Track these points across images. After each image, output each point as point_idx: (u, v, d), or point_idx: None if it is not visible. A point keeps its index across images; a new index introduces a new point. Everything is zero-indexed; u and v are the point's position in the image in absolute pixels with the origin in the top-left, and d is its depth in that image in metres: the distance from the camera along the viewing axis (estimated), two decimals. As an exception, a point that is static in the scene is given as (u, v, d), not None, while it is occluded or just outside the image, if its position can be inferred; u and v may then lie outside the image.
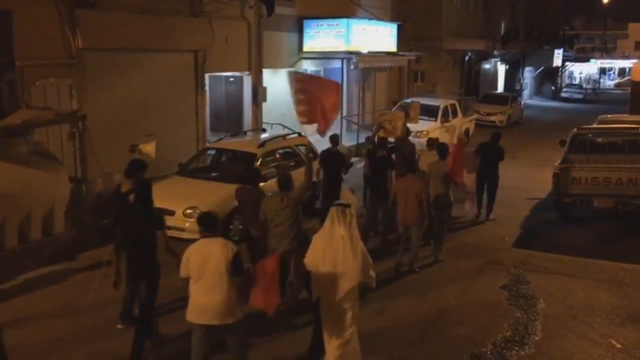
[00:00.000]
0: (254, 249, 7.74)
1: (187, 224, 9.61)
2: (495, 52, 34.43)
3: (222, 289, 5.32)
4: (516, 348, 6.76)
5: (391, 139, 11.78)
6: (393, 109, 20.10)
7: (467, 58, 31.48)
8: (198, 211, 9.48)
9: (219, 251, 5.36)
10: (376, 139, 10.74)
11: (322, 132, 12.73)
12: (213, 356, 5.69)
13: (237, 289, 5.40)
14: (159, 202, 9.82)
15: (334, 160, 10.30)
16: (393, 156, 10.71)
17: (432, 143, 10.76)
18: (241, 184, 8.29)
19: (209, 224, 5.56)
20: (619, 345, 6.90)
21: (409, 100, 20.38)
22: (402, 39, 23.01)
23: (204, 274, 5.33)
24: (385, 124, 12.50)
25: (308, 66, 19.19)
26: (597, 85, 61.80)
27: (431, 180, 9.44)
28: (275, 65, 17.42)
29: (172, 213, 9.71)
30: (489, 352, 6.65)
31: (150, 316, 6.35)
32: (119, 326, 6.87)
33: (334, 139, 11.06)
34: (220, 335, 5.50)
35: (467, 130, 13.14)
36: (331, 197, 7.86)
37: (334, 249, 5.55)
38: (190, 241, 8.63)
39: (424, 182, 9.01)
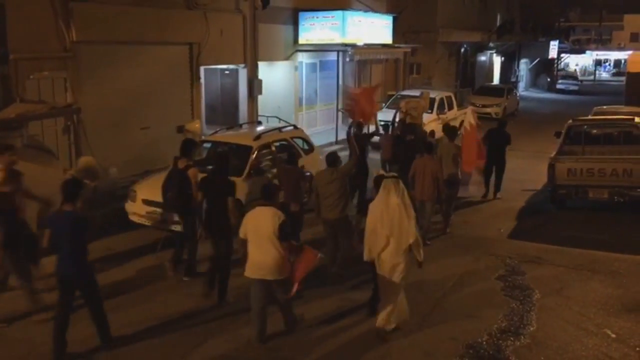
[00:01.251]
0: (295, 223, 8.26)
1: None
2: (491, 44, 34.42)
3: (273, 250, 6.25)
4: (511, 338, 6.80)
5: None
6: (387, 103, 20.13)
7: (462, 50, 31.48)
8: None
9: (270, 218, 6.27)
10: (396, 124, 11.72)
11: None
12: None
13: (286, 250, 6.34)
14: (154, 195, 9.88)
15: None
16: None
17: (445, 129, 11.55)
18: (283, 165, 9.40)
19: (268, 193, 6.63)
20: (613, 335, 6.93)
21: (404, 93, 20.41)
22: (398, 31, 22.98)
23: (258, 237, 6.29)
24: (411, 111, 13.49)
25: (304, 58, 19.16)
26: (594, 76, 61.91)
27: (442, 160, 10.23)
28: (270, 57, 17.40)
29: (167, 206, 9.70)
30: (484, 343, 6.68)
31: (229, 265, 7.57)
32: (185, 279, 8.17)
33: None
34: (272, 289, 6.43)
35: (462, 123, 13.39)
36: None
37: (391, 215, 6.45)
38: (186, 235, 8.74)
39: (439, 162, 9.86)
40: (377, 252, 6.60)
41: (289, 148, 11.75)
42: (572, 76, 51.20)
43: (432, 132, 13.58)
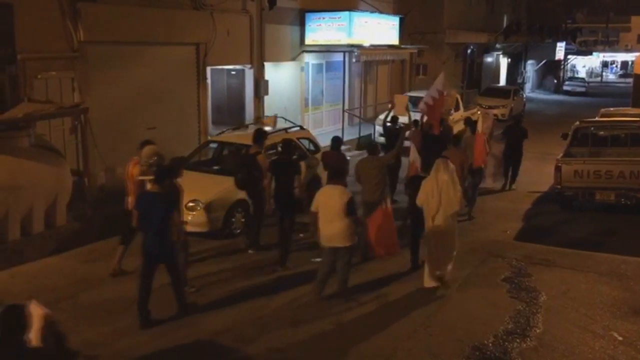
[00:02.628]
0: None
1: (189, 217, 9.61)
2: (498, 45, 34.32)
3: (340, 222, 7.29)
4: (518, 340, 6.77)
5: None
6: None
7: (469, 51, 31.40)
8: (200, 204, 9.53)
9: (338, 195, 7.31)
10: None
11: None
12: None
13: (351, 223, 7.36)
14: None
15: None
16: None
17: (467, 122, 13.19)
18: (327, 150, 10.69)
19: (337, 174, 7.62)
20: (620, 338, 6.90)
21: (411, 94, 20.37)
22: (404, 32, 22.96)
23: (327, 211, 7.31)
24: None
25: (310, 59, 19.17)
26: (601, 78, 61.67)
27: (466, 151, 11.13)
28: (277, 58, 17.41)
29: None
30: (490, 344, 6.67)
31: (290, 238, 8.87)
32: (250, 251, 9.21)
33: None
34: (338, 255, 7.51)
35: (461, 132, 13.77)
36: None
37: (439, 188, 7.81)
38: (192, 234, 8.87)
39: (465, 153, 10.72)
40: (429, 218, 7.90)
41: (295, 148, 11.76)
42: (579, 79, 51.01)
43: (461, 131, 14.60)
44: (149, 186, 7.30)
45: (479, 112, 13.56)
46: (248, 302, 7.62)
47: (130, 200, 7.97)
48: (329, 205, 7.32)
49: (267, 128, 11.58)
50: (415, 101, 19.13)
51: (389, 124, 12.96)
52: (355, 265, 8.33)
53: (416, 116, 12.44)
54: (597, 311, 7.59)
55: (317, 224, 7.43)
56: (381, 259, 8.74)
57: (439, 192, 7.81)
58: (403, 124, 12.66)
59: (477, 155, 11.63)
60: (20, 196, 8.48)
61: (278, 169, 8.86)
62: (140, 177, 7.80)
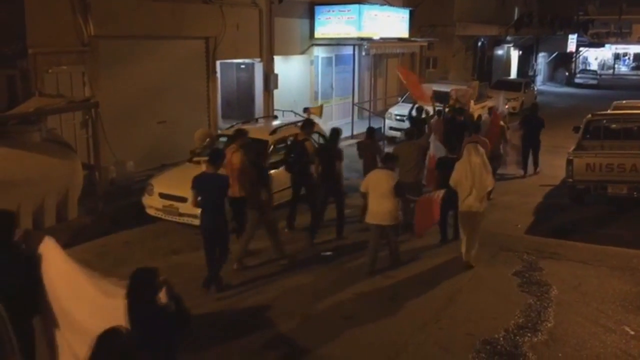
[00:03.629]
0: None
1: (199, 211, 9.63)
2: (509, 38, 34.08)
3: (388, 203, 8.07)
4: (529, 334, 6.75)
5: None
6: (403, 97, 20.05)
7: (479, 44, 31.21)
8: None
9: (386, 178, 8.16)
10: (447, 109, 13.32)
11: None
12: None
13: (397, 204, 8.21)
14: (171, 189, 9.94)
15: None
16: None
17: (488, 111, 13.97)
18: (362, 140, 11.49)
19: (388, 160, 8.56)
20: (632, 332, 6.86)
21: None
22: (414, 24, 22.83)
23: (377, 192, 8.09)
24: (460, 98, 15.45)
25: (319, 53, 19.13)
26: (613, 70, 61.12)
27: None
28: (286, 52, 17.39)
29: (184, 200, 9.75)
30: (501, 339, 6.65)
31: (343, 211, 9.87)
32: (286, 230, 9.78)
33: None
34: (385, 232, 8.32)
35: (479, 117, 13.91)
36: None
37: (472, 170, 8.42)
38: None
39: (485, 140, 10.95)
40: (462, 199, 8.54)
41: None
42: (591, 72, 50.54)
43: (480, 116, 14.62)
44: (203, 167, 7.88)
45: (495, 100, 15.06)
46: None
47: (235, 189, 8.45)
48: (378, 187, 8.11)
49: (313, 117, 12.46)
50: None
51: (414, 114, 13.71)
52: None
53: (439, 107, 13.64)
54: (608, 305, 7.54)
55: (366, 203, 8.32)
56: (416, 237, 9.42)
57: (472, 175, 8.42)
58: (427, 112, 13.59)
59: (491, 136, 12.05)
60: (31, 190, 8.52)
61: (324, 155, 9.67)
62: (195, 159, 8.63)
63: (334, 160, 9.59)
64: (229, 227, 7.85)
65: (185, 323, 4.39)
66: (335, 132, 10.11)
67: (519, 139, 14.27)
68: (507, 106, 24.76)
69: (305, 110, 13.68)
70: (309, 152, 9.79)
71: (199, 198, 7.50)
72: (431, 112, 13.50)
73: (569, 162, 11.68)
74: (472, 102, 18.73)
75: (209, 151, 7.94)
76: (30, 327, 4.65)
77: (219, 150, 8.07)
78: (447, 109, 13.80)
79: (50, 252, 4.58)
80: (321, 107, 14.37)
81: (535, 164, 14.59)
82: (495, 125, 12.75)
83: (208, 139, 8.63)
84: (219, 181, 7.45)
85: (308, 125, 10.37)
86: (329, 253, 9.15)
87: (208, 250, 7.65)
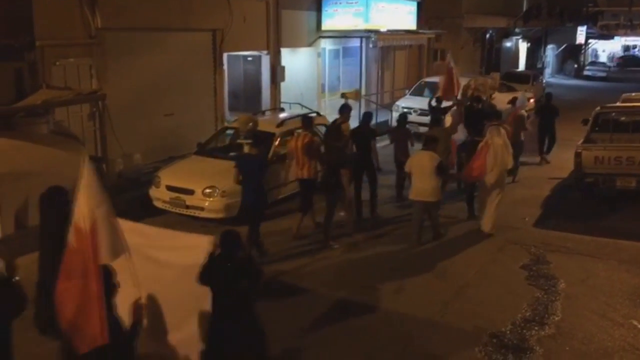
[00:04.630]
0: (400, 171, 11.05)
1: (206, 203, 9.66)
2: (517, 30, 33.82)
3: (431, 181, 8.87)
4: (536, 328, 6.73)
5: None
6: (410, 91, 19.99)
7: (487, 36, 30.99)
8: (217, 190, 9.56)
9: (428, 159, 8.91)
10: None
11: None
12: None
13: (439, 182, 9.05)
14: (178, 181, 9.97)
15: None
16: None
17: (511, 101, 14.28)
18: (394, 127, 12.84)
19: (429, 142, 9.22)
20: (640, 326, 6.84)
21: (428, 80, 20.22)
22: (422, 16, 22.70)
23: (420, 172, 8.94)
24: (479, 87, 16.69)
25: (327, 45, 19.07)
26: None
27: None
28: (293, 44, 17.34)
29: (191, 192, 9.78)
30: (508, 332, 6.63)
31: (376, 194, 10.55)
32: (341, 214, 9.74)
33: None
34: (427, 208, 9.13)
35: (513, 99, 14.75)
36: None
37: (494, 150, 9.31)
38: (209, 220, 9.02)
39: (507, 127, 11.17)
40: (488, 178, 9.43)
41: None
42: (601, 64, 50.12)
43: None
44: (246, 149, 8.83)
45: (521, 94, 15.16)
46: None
47: (305, 171, 9.38)
48: (421, 167, 8.95)
49: (350, 101, 13.61)
50: (432, 87, 19.08)
51: (434, 103, 14.17)
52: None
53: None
54: (616, 299, 7.51)
55: (410, 181, 9.23)
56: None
57: (494, 154, 9.29)
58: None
59: (511, 123, 12.44)
60: (39, 182, 8.54)
61: (358, 137, 10.32)
62: (239, 141, 9.52)
63: (369, 141, 10.31)
64: (267, 203, 8.75)
65: (258, 277, 5.12)
66: (367, 114, 11.10)
67: (535, 127, 14.84)
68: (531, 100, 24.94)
69: (343, 95, 15.37)
70: (345, 134, 10.31)
71: (240, 177, 8.40)
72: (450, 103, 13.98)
73: (578, 155, 11.61)
74: (496, 92, 19.60)
75: (251, 135, 9.03)
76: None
77: (261, 135, 9.16)
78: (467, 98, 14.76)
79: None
80: (356, 91, 16.27)
81: (549, 149, 15.10)
82: (515, 114, 13.23)
83: (251, 124, 9.60)
84: (259, 162, 8.39)
85: (345, 108, 11.02)
86: (336, 246, 9.13)
87: (252, 227, 8.41)
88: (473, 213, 10.51)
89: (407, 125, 11.95)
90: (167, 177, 10.24)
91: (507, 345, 6.37)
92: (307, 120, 10.05)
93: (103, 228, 3.93)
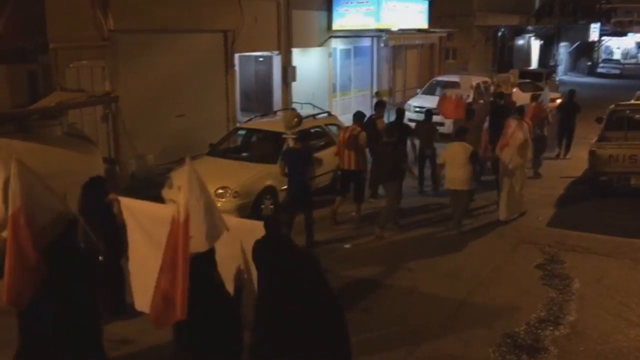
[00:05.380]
0: (431, 160, 12.04)
1: (218, 204, 9.66)
2: (529, 28, 33.63)
3: (463, 170, 9.50)
4: (550, 328, 6.68)
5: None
6: (421, 90, 19.95)
7: (499, 34, 30.84)
8: (229, 191, 9.59)
9: (461, 150, 9.56)
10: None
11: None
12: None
13: (471, 171, 9.68)
14: (191, 182, 9.96)
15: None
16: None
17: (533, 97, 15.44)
18: (421, 120, 13.05)
19: (460, 133, 9.99)
20: (656, 326, 6.76)
21: (440, 79, 20.18)
22: (433, 15, 22.63)
23: (453, 162, 9.59)
24: (502, 84, 17.97)
25: (338, 44, 19.06)
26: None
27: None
28: (304, 44, 17.35)
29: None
30: (522, 332, 6.59)
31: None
32: (371, 200, 11.09)
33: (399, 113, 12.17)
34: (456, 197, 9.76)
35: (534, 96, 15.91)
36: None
37: (515, 142, 10.00)
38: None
39: (528, 122, 11.73)
40: (505, 165, 10.10)
41: (323, 135, 11.74)
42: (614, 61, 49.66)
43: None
44: (291, 143, 9.56)
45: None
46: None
47: (351, 163, 9.98)
48: (454, 157, 9.58)
49: (384, 98, 14.76)
50: (444, 85, 19.03)
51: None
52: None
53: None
54: (632, 299, 7.43)
55: (446, 171, 9.89)
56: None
57: (514, 146, 9.99)
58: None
59: (533, 118, 12.65)
60: (53, 184, 8.59)
61: (393, 131, 10.68)
62: (284, 136, 10.19)
63: (405, 135, 11.34)
64: (310, 193, 9.32)
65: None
66: (401, 110, 12.13)
67: (556, 122, 15.23)
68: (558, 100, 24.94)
69: (377, 93, 17.08)
70: (380, 129, 10.97)
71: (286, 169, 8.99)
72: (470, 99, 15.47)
73: (592, 154, 11.53)
74: (516, 88, 20.63)
75: (298, 130, 9.77)
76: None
77: (306, 131, 9.85)
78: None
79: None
80: (389, 90, 18.27)
81: (567, 147, 15.39)
82: (538, 110, 13.40)
83: (296, 119, 10.32)
84: (303, 155, 8.99)
85: (380, 104, 11.99)
86: (347, 246, 9.14)
87: (292, 211, 9.01)
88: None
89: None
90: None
91: (521, 346, 6.33)
92: (359, 114, 10.56)
93: (200, 218, 4.42)
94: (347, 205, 10.22)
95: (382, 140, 10.23)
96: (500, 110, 13.30)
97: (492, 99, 14.86)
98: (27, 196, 4.48)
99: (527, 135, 10.29)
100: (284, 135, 10.29)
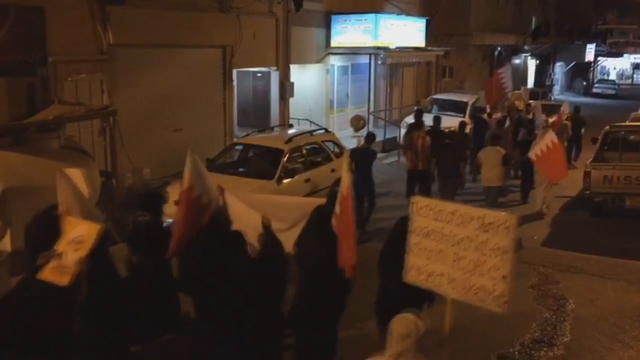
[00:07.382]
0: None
1: (214, 219, 9.65)
2: (526, 47, 33.92)
3: (496, 170, 11.28)
4: (544, 349, 6.67)
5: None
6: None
7: (496, 53, 31.09)
8: (226, 206, 9.57)
9: (496, 153, 11.35)
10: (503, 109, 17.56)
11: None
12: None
13: (504, 170, 11.56)
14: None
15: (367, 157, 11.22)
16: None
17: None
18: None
19: (495, 139, 11.83)
20: (650, 348, 6.76)
21: (437, 97, 20.32)
22: (431, 34, 22.83)
23: (488, 163, 11.32)
24: (516, 101, 20.10)
25: (336, 61, 19.17)
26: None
27: None
28: (302, 60, 17.45)
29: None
30: (516, 353, 6.58)
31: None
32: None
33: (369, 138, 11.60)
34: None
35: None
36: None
37: (541, 145, 10.97)
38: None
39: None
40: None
41: (320, 151, 11.78)
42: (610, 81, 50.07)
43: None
44: (356, 142, 11.26)
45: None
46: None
47: (419, 163, 11.39)
48: (489, 159, 11.32)
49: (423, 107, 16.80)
50: (441, 103, 19.16)
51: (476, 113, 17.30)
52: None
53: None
54: (626, 320, 7.44)
55: (482, 171, 11.57)
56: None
57: (540, 149, 10.97)
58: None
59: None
60: (50, 197, 8.59)
61: (436, 139, 11.95)
62: (353, 137, 11.66)
63: (443, 140, 12.32)
64: (374, 189, 10.60)
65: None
66: (437, 118, 13.64)
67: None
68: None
69: (417, 102, 19.48)
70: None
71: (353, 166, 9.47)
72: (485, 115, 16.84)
73: (587, 174, 11.59)
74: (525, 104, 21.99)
75: (366, 132, 11.20)
76: None
77: (371, 133, 11.15)
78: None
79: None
80: (430, 100, 19.80)
81: (576, 155, 16.93)
82: (557, 123, 14.29)
83: (362, 121, 12.52)
84: (370, 154, 10.53)
85: (419, 114, 13.62)
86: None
87: (358, 204, 9.56)
88: (526, 199, 12.99)
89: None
90: (176, 192, 10.25)
91: (515, 366, 6.32)
92: (419, 123, 12.57)
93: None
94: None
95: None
96: (519, 122, 15.46)
97: (516, 115, 16.83)
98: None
99: (555, 139, 11.10)
100: (353, 136, 12.43)
